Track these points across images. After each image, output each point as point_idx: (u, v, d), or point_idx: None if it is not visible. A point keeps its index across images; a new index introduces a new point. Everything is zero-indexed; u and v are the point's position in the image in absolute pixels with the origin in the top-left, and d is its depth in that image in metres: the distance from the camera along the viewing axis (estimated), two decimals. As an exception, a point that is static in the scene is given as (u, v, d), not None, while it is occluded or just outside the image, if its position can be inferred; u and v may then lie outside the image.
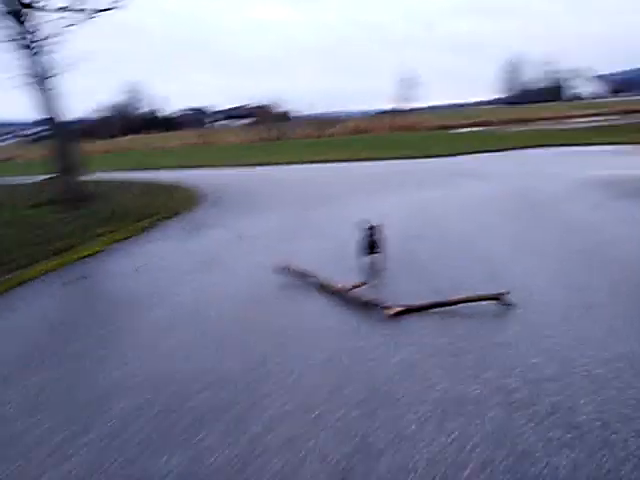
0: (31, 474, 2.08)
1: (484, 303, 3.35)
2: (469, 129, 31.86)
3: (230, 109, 59.48)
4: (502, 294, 3.35)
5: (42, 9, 9.47)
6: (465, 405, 2.27)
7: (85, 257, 5.71)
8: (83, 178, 10.26)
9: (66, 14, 9.64)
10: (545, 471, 1.82)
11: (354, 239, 4.46)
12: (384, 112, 58.93)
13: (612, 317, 3.06)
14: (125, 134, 56.63)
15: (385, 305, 3.45)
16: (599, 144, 13.81)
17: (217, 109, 63.89)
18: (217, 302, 3.94)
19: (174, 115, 70.89)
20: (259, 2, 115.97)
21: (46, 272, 5.15)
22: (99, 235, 6.56)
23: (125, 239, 6.49)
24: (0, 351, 3.44)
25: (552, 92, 66.76)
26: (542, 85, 70.08)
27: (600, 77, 58.06)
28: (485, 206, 6.90)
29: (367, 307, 3.53)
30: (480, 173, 10.34)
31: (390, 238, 4.54)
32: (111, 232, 6.73)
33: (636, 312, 3.14)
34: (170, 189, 11.42)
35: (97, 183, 11.95)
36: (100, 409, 2.51)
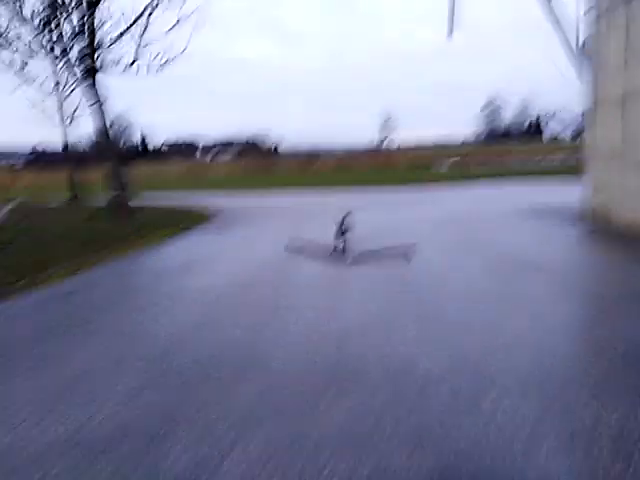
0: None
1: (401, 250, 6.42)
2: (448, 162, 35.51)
3: (220, 143, 63.05)
4: (412, 244, 6.46)
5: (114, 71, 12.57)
6: (378, 285, 5.24)
7: (152, 244, 8.64)
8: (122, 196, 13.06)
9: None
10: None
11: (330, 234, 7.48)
12: (366, 150, 63.31)
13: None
14: (116, 164, 59.53)
15: (346, 259, 6.45)
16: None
17: (206, 143, 67.38)
18: (248, 259, 6.94)
19: (164, 147, 73.81)
20: (243, 39, 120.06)
21: (134, 249, 8.08)
22: (155, 233, 9.49)
23: (173, 235, 9.49)
24: (135, 277, 6.30)
25: (529, 133, 71.92)
26: (520, 125, 75.25)
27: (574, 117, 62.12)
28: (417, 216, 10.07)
29: (338, 261, 6.51)
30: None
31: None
32: (162, 231, 9.68)
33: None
34: (184, 210, 14.47)
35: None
36: (181, 291, 5.36)
